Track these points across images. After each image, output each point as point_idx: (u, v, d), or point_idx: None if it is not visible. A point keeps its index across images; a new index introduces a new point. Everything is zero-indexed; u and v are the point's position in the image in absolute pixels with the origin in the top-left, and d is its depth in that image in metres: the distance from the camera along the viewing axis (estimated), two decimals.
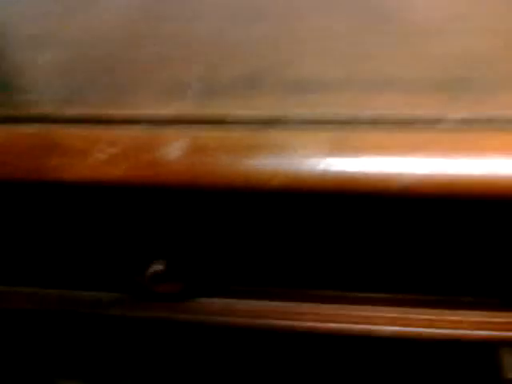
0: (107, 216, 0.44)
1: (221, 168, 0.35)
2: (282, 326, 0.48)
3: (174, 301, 0.49)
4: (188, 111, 0.38)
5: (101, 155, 0.37)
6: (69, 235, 0.46)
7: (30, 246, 0.47)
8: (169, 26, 0.46)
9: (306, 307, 0.47)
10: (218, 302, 0.48)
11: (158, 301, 0.49)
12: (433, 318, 0.44)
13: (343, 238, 0.42)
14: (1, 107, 0.40)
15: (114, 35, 0.46)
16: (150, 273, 0.46)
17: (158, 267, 0.46)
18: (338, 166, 0.34)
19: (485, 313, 0.44)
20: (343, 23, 0.44)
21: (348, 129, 0.35)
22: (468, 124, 0.34)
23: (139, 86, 0.40)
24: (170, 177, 0.36)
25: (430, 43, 0.41)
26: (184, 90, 0.39)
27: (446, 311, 0.44)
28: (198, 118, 0.37)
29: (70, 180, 0.37)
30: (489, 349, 0.48)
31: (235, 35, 0.44)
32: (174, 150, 0.36)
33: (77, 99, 0.40)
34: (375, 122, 0.35)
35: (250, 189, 0.35)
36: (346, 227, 0.41)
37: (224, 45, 0.43)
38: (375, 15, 0.45)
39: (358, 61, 0.40)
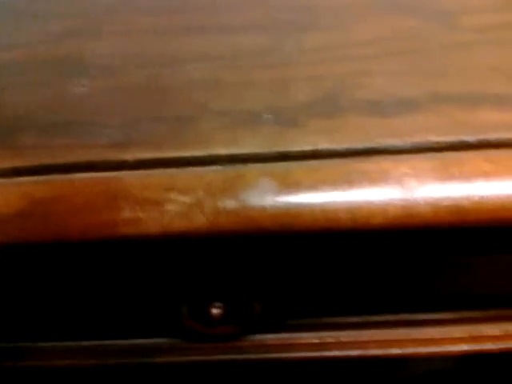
0: (156, 260, 0.40)
1: (321, 208, 0.32)
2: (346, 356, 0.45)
3: (228, 341, 0.45)
4: (266, 146, 0.34)
5: (173, 207, 0.32)
6: (117, 283, 0.41)
7: (76, 298, 0.42)
8: (205, 41, 0.41)
9: (365, 334, 0.44)
10: (274, 338, 0.45)
11: (210, 342, 0.45)
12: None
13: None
14: (52, 154, 0.34)
15: (147, 55, 0.40)
16: (207, 316, 0.42)
17: (216, 311, 0.42)
18: (451, 196, 0.31)
19: None
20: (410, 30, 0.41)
21: (451, 155, 0.32)
22: None
23: (200, 119, 0.36)
24: (259, 225, 0.32)
25: None
26: (254, 121, 0.35)
27: None
28: (281, 153, 0.33)
29: (140, 235, 0.33)
30: None
31: (289, 49, 0.40)
32: (261, 192, 0.32)
33: (136, 139, 0.34)
34: (482, 145, 0.32)
35: (355, 227, 0.32)
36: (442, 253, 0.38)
37: (280, 62, 0.39)
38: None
39: (437, 74, 0.37)
